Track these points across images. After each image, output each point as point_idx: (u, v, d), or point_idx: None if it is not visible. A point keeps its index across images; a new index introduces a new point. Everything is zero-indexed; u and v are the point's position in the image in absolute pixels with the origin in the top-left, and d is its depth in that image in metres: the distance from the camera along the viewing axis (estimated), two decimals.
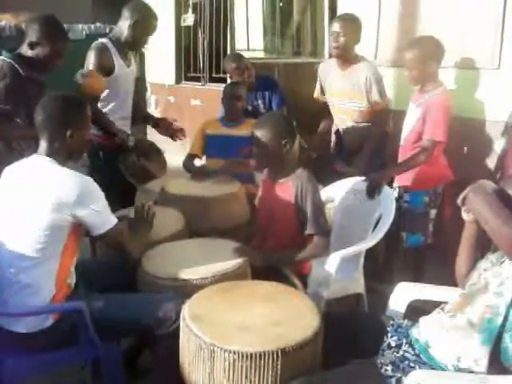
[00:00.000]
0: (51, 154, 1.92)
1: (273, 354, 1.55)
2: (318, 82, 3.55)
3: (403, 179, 2.87)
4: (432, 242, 3.04)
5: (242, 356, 1.55)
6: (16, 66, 2.52)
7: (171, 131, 3.36)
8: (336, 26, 3.11)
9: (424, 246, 2.99)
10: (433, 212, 2.93)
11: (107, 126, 2.97)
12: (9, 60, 2.53)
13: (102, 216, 1.91)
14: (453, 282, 1.77)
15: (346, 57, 3.17)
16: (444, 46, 2.79)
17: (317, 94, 3.56)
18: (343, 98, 3.27)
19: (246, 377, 1.56)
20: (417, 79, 2.81)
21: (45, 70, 2.65)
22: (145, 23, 3.01)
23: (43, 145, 1.94)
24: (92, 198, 1.89)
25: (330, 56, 3.56)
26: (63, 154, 1.95)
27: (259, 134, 2.26)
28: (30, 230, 1.83)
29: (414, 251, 3.06)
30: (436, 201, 2.91)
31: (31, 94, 2.47)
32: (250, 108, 3.74)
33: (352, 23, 3.13)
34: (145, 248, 2.19)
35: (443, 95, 2.78)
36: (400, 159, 2.95)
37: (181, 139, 3.40)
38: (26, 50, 2.59)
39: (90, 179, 1.91)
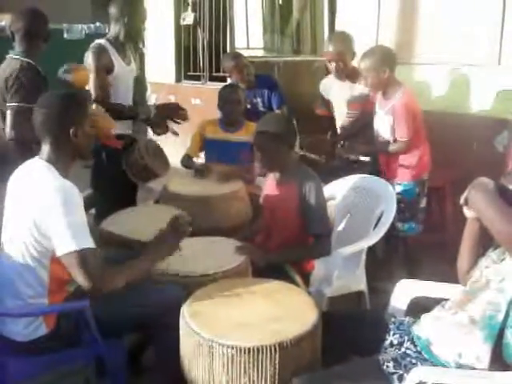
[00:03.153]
0: (54, 158, 1.84)
1: (271, 349, 1.57)
2: (320, 98, 3.67)
3: (394, 173, 3.00)
4: (435, 239, 3.09)
5: (241, 351, 1.57)
6: (34, 63, 2.55)
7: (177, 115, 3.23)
8: (331, 50, 3.28)
9: (417, 234, 3.10)
10: (423, 201, 3.08)
11: (126, 110, 3.01)
12: (25, 59, 2.56)
13: (73, 232, 1.70)
14: (455, 279, 1.77)
15: (345, 73, 3.34)
16: (395, 53, 2.97)
17: (318, 108, 3.71)
18: (343, 106, 3.42)
19: (245, 371, 1.58)
20: (375, 86, 2.96)
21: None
22: (136, 13, 3.04)
23: (45, 148, 1.85)
24: (69, 209, 1.71)
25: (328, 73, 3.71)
26: (68, 156, 1.87)
27: (262, 139, 2.25)
28: (17, 237, 1.81)
29: (407, 240, 3.15)
30: (424, 190, 3.07)
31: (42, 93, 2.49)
32: (248, 106, 3.73)
33: (346, 45, 3.29)
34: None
35: (404, 96, 2.91)
36: (384, 166, 3.08)
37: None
38: (25, 44, 2.64)
39: (75, 191, 1.78)
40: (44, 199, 1.72)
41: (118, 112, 2.96)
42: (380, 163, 3.13)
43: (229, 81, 4.53)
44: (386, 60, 2.88)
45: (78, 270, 1.70)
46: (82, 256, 1.70)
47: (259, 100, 3.82)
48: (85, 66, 2.93)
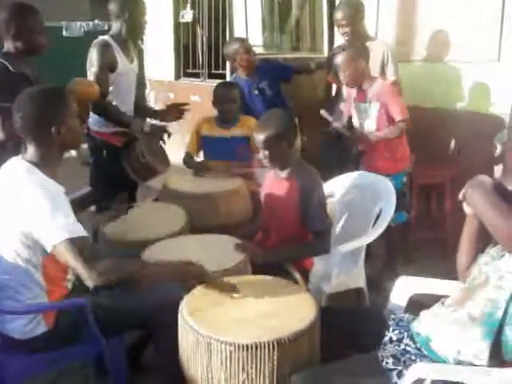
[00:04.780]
0: (38, 158, 1.79)
1: (269, 345, 1.57)
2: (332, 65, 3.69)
3: (385, 166, 3.04)
4: (434, 235, 3.10)
5: (239, 347, 1.57)
6: (5, 62, 2.51)
7: (180, 112, 3.32)
8: (340, 17, 3.39)
9: (408, 222, 3.26)
10: (408, 190, 3.22)
11: (121, 118, 2.99)
12: None
13: (60, 223, 1.66)
14: (454, 276, 1.77)
15: (357, 38, 3.38)
16: (367, 47, 3.09)
17: (329, 76, 3.70)
18: None
19: (243, 368, 1.58)
20: (353, 78, 3.02)
21: (36, 50, 2.63)
22: (137, 9, 3.02)
23: (29, 148, 1.80)
24: (54, 205, 1.67)
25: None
26: (53, 155, 1.82)
27: (264, 137, 2.24)
28: (5, 242, 1.79)
29: (399, 230, 3.21)
30: (408, 180, 3.20)
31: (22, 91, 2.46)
32: (256, 92, 3.72)
33: (352, 9, 3.39)
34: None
35: (385, 81, 3.07)
36: (366, 152, 3.14)
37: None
38: (8, 45, 2.58)
39: (59, 191, 1.76)
40: (27, 204, 1.69)
41: (112, 116, 2.95)
42: (364, 156, 3.20)
43: (228, 76, 4.52)
44: (361, 52, 3.02)
45: (73, 260, 1.66)
46: (75, 244, 1.65)
47: (265, 83, 3.79)
48: (91, 82, 2.85)
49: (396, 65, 3.41)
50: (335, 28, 3.94)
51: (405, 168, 3.13)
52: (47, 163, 1.80)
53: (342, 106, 3.43)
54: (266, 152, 2.27)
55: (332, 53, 3.80)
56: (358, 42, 3.25)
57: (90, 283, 1.68)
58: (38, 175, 1.75)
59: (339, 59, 3.00)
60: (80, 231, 1.70)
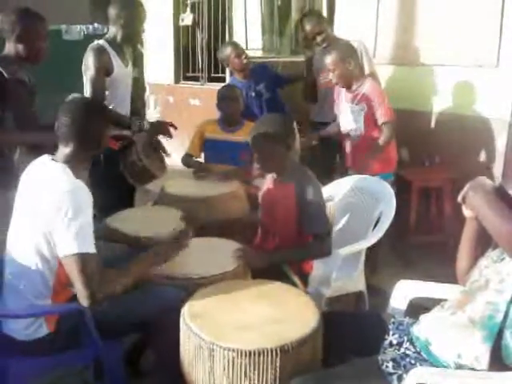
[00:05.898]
0: (71, 160, 1.88)
1: (272, 352, 1.56)
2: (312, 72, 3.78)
3: (375, 168, 3.05)
4: (434, 239, 3.20)
5: (241, 354, 1.56)
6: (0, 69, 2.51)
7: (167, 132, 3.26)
8: (309, 28, 3.58)
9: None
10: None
11: (119, 119, 2.98)
12: None
13: (76, 235, 1.71)
14: (454, 280, 1.77)
15: (331, 42, 3.51)
16: (355, 47, 3.16)
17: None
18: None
19: (246, 374, 1.57)
20: (342, 77, 3.04)
21: (36, 56, 2.62)
22: (135, 16, 3.02)
23: (65, 151, 1.89)
24: (77, 213, 1.72)
25: None
26: (87, 158, 1.97)
27: (260, 141, 2.23)
28: (28, 238, 1.81)
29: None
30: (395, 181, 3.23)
31: (18, 97, 2.44)
32: (253, 94, 3.73)
33: (317, 16, 3.66)
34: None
35: (373, 84, 3.09)
36: (353, 153, 3.18)
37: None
38: (10, 49, 2.57)
39: (86, 192, 1.81)
40: (55, 202, 1.73)
41: (110, 119, 2.95)
42: (348, 158, 3.23)
43: (227, 80, 4.53)
44: (349, 52, 3.07)
45: (76, 274, 1.72)
46: (83, 260, 1.71)
47: (262, 86, 3.80)
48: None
49: (370, 62, 3.48)
50: (335, 31, 3.96)
51: (393, 169, 3.18)
52: (78, 165, 1.90)
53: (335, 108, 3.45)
54: (257, 155, 2.26)
55: (307, 57, 3.84)
56: (344, 42, 3.29)
57: (83, 302, 1.74)
58: (70, 176, 1.83)
59: (328, 59, 3.03)
60: (90, 248, 1.74)
